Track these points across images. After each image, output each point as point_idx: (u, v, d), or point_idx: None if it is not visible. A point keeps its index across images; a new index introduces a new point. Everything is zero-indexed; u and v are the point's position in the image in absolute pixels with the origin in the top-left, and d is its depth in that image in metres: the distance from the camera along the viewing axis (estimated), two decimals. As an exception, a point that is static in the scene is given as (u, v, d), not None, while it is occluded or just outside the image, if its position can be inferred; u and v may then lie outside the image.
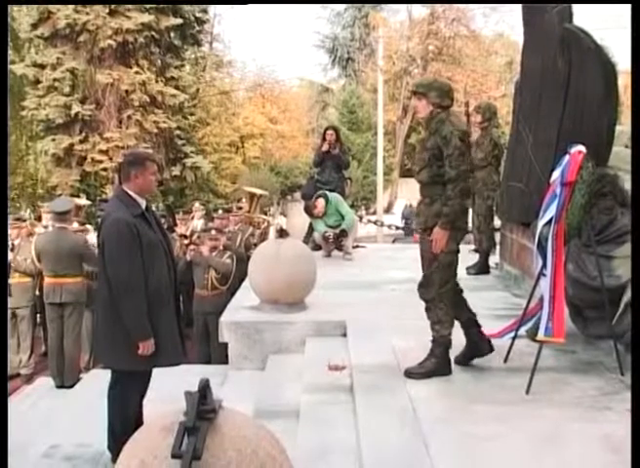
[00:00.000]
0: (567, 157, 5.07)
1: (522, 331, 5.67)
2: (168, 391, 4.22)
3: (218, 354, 8.48)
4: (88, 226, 12.51)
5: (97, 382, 6.05)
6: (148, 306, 5.10)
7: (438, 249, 5.12)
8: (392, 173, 44.93)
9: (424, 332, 5.37)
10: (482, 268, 9.41)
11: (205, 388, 2.36)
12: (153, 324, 5.12)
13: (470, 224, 9.35)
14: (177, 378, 5.04)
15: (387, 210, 40.09)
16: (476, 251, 9.79)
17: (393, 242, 22.15)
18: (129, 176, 5.25)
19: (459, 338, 5.41)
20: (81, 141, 24.44)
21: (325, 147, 11.58)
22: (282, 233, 7.71)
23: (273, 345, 6.94)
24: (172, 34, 26.03)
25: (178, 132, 25.72)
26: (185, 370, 5.57)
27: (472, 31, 43.05)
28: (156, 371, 5.42)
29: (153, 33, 24.31)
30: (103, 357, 5.53)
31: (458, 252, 5.26)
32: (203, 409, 2.31)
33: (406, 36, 44.47)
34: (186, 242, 11.01)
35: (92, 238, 11.19)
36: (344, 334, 6.73)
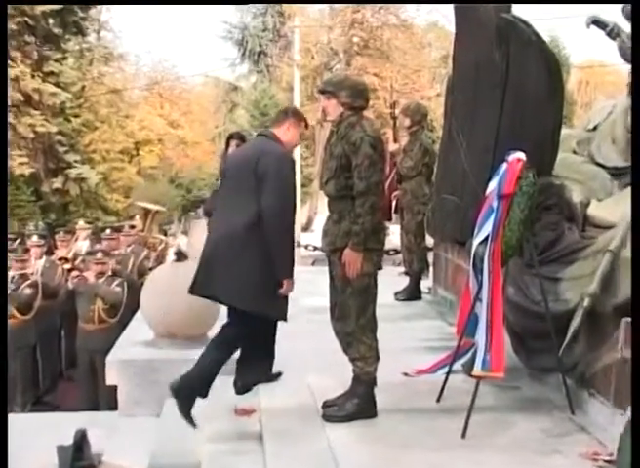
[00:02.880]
0: (504, 165, 5.13)
1: (457, 365, 5.68)
2: (45, 444, 4.14)
3: (106, 398, 8.36)
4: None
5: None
6: None
7: (353, 272, 5.12)
8: (311, 184, 44.97)
9: (345, 368, 5.37)
10: (412, 293, 9.47)
11: (81, 440, 2.32)
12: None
13: (399, 243, 9.46)
14: (54, 428, 4.96)
15: (306, 227, 40.08)
16: (406, 273, 9.85)
17: (313, 264, 22.13)
18: (284, 122, 5.74)
19: (386, 374, 5.42)
20: (-59, 148, 23.90)
21: (230, 150, 11.58)
22: (180, 255, 7.66)
23: (171, 387, 6.86)
24: (50, 21, 25.59)
25: (59, 137, 25.38)
26: (66, 419, 5.49)
27: (403, 21, 43.41)
28: (33, 422, 5.33)
29: (27, 19, 23.85)
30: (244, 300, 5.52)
31: (374, 274, 5.29)
32: (78, 465, 2.27)
33: (326, 26, 44.74)
34: (68, 267, 10.84)
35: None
36: (254, 373, 6.70)
